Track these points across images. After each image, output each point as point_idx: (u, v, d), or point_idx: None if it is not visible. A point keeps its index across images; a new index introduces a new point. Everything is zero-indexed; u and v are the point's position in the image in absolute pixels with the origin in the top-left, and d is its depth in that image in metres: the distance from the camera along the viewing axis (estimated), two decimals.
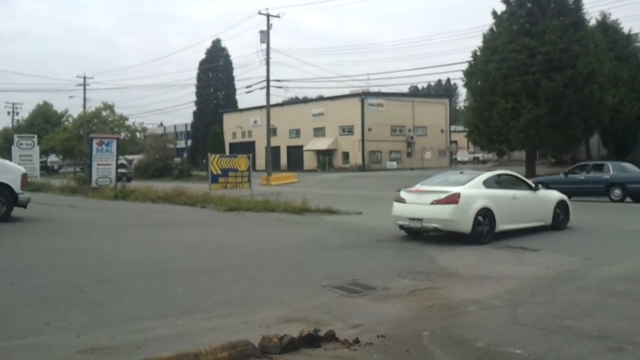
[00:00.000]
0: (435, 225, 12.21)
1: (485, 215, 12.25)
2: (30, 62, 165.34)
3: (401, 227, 12.99)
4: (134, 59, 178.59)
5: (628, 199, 22.55)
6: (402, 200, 13.00)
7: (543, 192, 14.63)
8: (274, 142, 59.40)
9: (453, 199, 12.08)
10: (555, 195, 14.87)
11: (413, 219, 12.51)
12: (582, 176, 24.36)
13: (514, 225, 13.21)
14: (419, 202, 12.58)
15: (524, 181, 14.42)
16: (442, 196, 12.21)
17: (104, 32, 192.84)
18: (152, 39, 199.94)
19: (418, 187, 13.35)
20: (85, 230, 13.87)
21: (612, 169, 23.79)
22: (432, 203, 12.24)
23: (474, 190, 12.65)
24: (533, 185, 14.32)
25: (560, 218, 14.37)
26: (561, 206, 14.47)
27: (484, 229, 12.23)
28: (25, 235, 12.63)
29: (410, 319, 6.49)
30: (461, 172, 14.63)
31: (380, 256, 10.82)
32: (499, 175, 13.96)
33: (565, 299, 7.35)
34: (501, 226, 12.66)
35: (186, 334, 5.86)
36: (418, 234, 12.86)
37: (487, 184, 13.15)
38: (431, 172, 48.58)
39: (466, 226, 12.04)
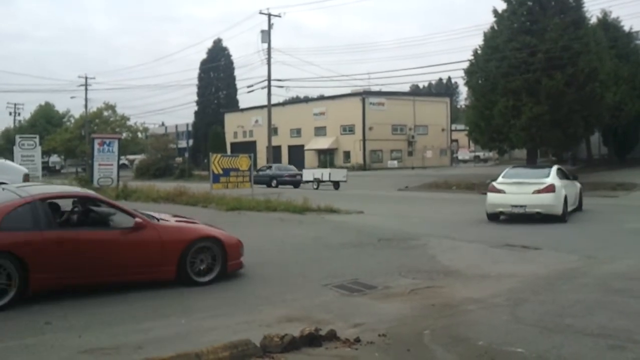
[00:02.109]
0: (538, 210, 15.16)
1: (565, 199, 15.58)
2: (31, 63, 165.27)
3: (501, 213, 15.81)
4: (135, 60, 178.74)
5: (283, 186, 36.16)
6: (500, 191, 15.78)
7: (574, 182, 17.99)
8: (275, 141, 59.41)
9: (550, 188, 15.27)
10: (578, 184, 18.43)
11: (516, 206, 15.37)
12: (267, 171, 40.35)
13: (571, 207, 16.57)
14: (521, 192, 15.44)
15: (566, 172, 17.84)
16: (542, 187, 15.27)
17: (104, 32, 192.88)
18: (152, 39, 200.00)
19: (505, 180, 16.14)
20: None
21: (274, 168, 41.59)
22: (534, 192, 15.24)
23: (557, 181, 15.76)
24: (571, 176, 17.96)
25: (581, 202, 18.22)
26: (580, 193, 18.33)
27: (566, 210, 15.68)
28: None
29: (411, 318, 6.50)
30: (529, 167, 19.01)
31: (381, 255, 10.83)
32: (559, 169, 17.06)
33: (566, 297, 7.36)
34: (568, 208, 16.04)
35: (187, 334, 5.87)
36: (496, 217, 15.89)
37: (559, 175, 16.30)
38: (432, 171, 48.68)
39: (559, 209, 15.31)
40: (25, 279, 6.92)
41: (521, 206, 15.26)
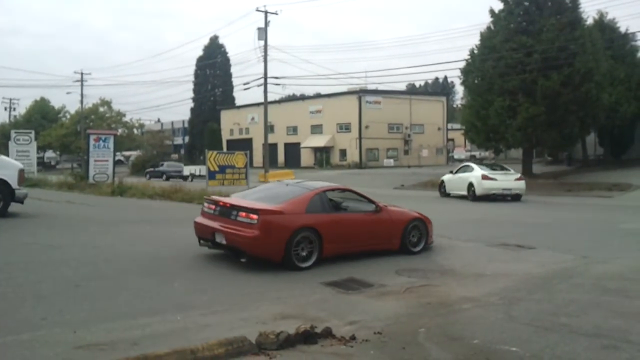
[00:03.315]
0: (517, 192, 23.78)
1: None
2: (27, 58, 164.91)
3: (494, 195, 23.41)
4: (131, 56, 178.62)
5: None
6: (493, 179, 23.66)
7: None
8: (272, 139, 59.38)
9: (522, 177, 24.88)
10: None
11: (505, 189, 23.63)
12: (160, 168, 52.28)
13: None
14: (507, 180, 24.01)
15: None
16: (518, 176, 24.65)
17: (100, 28, 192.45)
18: (149, 35, 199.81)
19: (492, 172, 24.33)
20: (83, 226, 13.86)
21: (165, 166, 53.99)
22: (515, 180, 24.13)
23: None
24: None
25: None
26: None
27: None
28: (22, 231, 12.61)
29: (406, 316, 6.52)
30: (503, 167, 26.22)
31: (377, 253, 10.82)
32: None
33: (561, 296, 7.39)
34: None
35: (183, 330, 5.87)
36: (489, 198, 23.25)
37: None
38: (428, 169, 48.70)
39: (523, 191, 24.17)
40: (321, 247, 9.45)
41: (508, 189, 23.71)
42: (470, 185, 24.03)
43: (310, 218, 9.54)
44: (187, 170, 50.99)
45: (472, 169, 25.26)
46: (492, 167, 26.11)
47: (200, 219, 10.19)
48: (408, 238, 10.83)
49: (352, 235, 10.14)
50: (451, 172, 27.63)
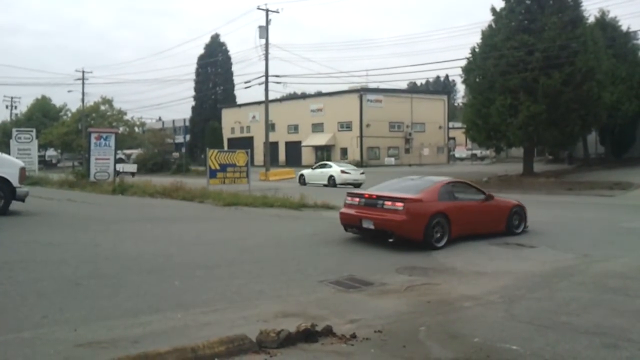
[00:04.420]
0: (360, 182, 31.40)
1: None
2: (28, 56, 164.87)
3: (347, 183, 30.64)
4: (132, 54, 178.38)
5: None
6: (347, 173, 33.00)
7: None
8: (273, 137, 59.38)
9: (363, 172, 34.01)
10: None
11: (354, 180, 32.35)
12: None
13: None
14: (355, 174, 33.42)
15: None
16: (361, 171, 34.72)
17: (101, 26, 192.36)
18: (150, 33, 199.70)
19: (346, 168, 33.36)
20: (83, 225, 13.87)
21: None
22: (360, 174, 33.44)
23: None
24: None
25: None
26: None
27: None
28: (23, 229, 12.62)
29: (407, 315, 6.51)
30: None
31: (377, 252, 10.84)
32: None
33: (562, 295, 7.39)
34: None
35: (183, 328, 5.87)
36: None
37: None
38: (429, 168, 48.70)
39: (364, 181, 29.38)
40: (450, 230, 11.36)
41: (356, 179, 32.92)
42: (331, 177, 34.11)
43: (441, 205, 11.55)
44: (119, 167, 52.72)
45: (330, 166, 35.86)
46: (344, 165, 37.35)
47: (346, 210, 12.29)
48: (511, 222, 13.03)
49: (471, 219, 12.13)
50: (310, 168, 38.52)
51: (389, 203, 11.24)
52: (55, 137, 72.10)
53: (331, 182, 33.65)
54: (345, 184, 32.66)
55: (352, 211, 12.03)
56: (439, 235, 11.26)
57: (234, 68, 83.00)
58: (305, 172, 37.03)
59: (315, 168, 37.14)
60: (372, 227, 11.37)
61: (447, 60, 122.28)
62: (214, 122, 69.92)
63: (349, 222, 12.16)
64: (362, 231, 11.89)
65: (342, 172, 33.96)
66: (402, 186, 12.53)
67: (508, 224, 12.94)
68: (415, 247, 11.23)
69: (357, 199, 12.09)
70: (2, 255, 9.46)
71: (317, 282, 8.23)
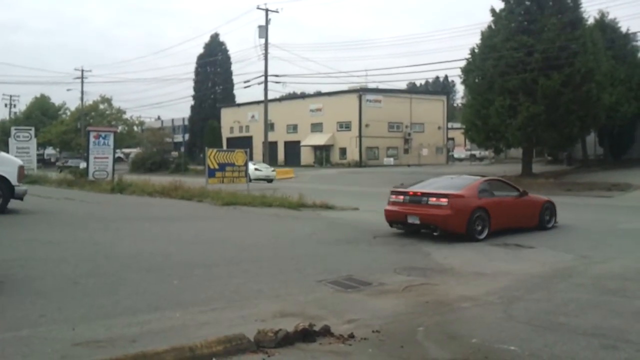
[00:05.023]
0: (272, 178, 39.60)
1: None
2: (27, 55, 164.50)
3: (260, 179, 35.47)
4: (132, 53, 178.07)
5: None
6: (260, 170, 38.19)
7: None
8: (272, 137, 59.39)
9: (275, 170, 42.42)
10: None
11: (266, 176, 38.92)
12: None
13: None
14: (267, 171, 40.76)
15: None
16: (272, 169, 41.93)
17: (101, 25, 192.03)
18: (149, 32, 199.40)
19: (259, 166, 39.27)
20: (82, 223, 13.87)
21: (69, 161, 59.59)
22: (271, 171, 41.17)
23: None
24: None
25: None
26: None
27: None
28: (22, 227, 12.62)
29: (405, 315, 6.51)
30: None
31: (376, 252, 10.84)
32: None
33: (560, 296, 7.39)
34: None
35: (181, 328, 5.87)
36: None
37: None
38: (428, 168, 48.72)
39: (275, 177, 39.55)
40: (490, 223, 12.31)
41: (267, 176, 39.23)
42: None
43: (481, 200, 12.46)
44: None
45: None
46: (258, 164, 42.52)
47: (390, 207, 13.10)
48: (543, 217, 13.97)
49: (508, 214, 13.08)
50: None
51: (434, 199, 12.15)
52: (54, 136, 72.18)
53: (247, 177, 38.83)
54: (258, 179, 38.08)
55: (396, 208, 12.88)
56: (479, 228, 12.18)
57: (234, 67, 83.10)
58: None
59: None
60: (417, 222, 12.30)
61: (446, 61, 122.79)
62: (213, 122, 69.89)
63: (394, 219, 12.97)
64: (407, 226, 12.77)
65: (256, 169, 39.80)
66: (443, 184, 13.32)
67: (540, 219, 13.90)
68: (412, 247, 11.26)
69: (402, 197, 12.91)
70: (0, 254, 9.45)
71: (316, 281, 8.22)
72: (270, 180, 38.88)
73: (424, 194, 12.49)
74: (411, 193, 12.82)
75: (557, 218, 14.40)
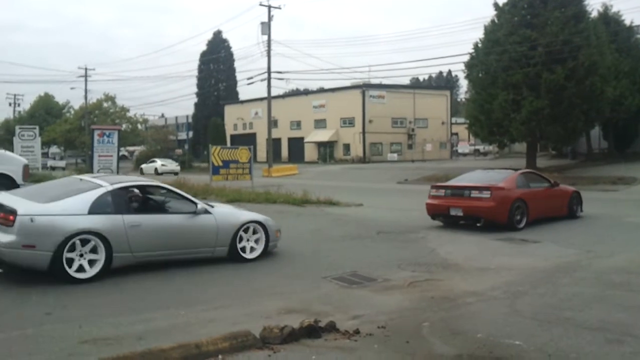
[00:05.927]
0: (176, 171, 50.04)
1: None
2: (30, 54, 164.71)
3: (165, 173, 41.81)
4: (134, 51, 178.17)
5: None
6: (165, 165, 52.23)
7: None
8: (275, 133, 59.35)
9: (179, 165, 55.10)
10: None
11: (171, 170, 50.87)
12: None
13: None
14: (172, 165, 53.20)
15: None
16: (177, 163, 54.26)
17: (103, 23, 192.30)
18: (152, 30, 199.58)
19: (166, 162, 53.50)
20: None
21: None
22: (176, 165, 54.04)
23: None
24: None
25: None
26: None
27: None
28: None
29: (410, 310, 6.52)
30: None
31: (380, 248, 10.85)
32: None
33: (565, 290, 7.38)
34: None
35: (187, 325, 5.89)
36: None
37: None
38: (432, 164, 48.67)
39: (179, 171, 49.88)
40: (527, 213, 13.02)
41: (172, 170, 50.06)
42: (156, 168, 50.82)
43: (520, 192, 13.06)
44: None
45: (155, 161, 53.55)
46: (164, 160, 53.24)
47: (431, 201, 13.60)
48: (572, 206, 14.68)
49: (543, 204, 13.63)
50: (146, 163, 55.25)
51: (476, 192, 12.79)
52: (58, 135, 72.20)
53: (156, 171, 49.93)
54: (164, 172, 47.09)
55: (438, 201, 13.44)
56: (519, 217, 12.82)
57: (236, 64, 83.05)
58: (143, 165, 54.63)
59: (148, 163, 55.18)
60: (460, 214, 12.90)
61: (449, 56, 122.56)
62: (217, 119, 69.93)
63: (436, 211, 13.53)
64: (449, 218, 13.31)
65: (162, 165, 51.35)
66: (481, 177, 13.94)
67: (569, 208, 14.66)
68: (416, 242, 11.25)
69: (443, 191, 13.53)
70: None
71: (320, 278, 8.24)
72: (176, 173, 46.54)
73: (466, 187, 13.14)
74: (452, 186, 13.57)
75: (582, 207, 15.19)
